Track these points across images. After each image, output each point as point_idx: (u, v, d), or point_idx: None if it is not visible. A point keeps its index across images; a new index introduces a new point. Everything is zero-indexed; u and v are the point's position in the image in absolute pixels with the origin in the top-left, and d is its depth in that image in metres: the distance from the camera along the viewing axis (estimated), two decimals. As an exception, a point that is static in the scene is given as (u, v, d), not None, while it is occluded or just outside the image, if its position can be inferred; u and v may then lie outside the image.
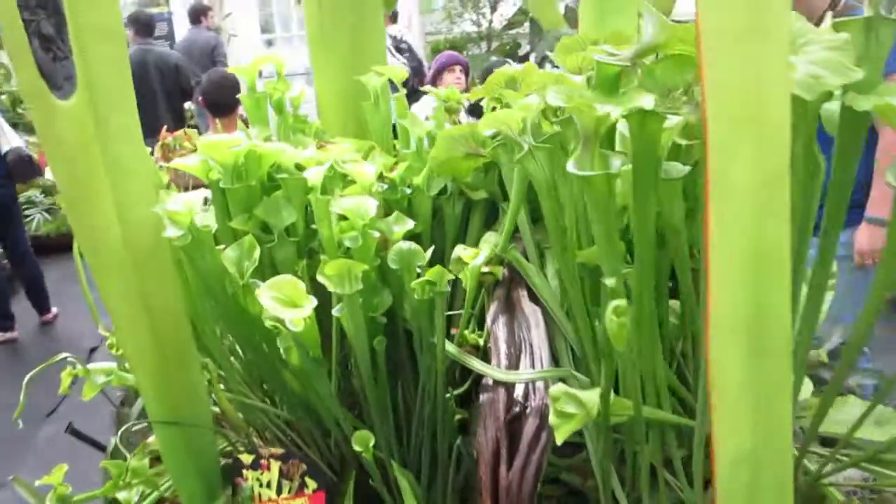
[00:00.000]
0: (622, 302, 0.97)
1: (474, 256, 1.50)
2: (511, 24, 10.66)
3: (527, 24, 11.14)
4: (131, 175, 1.33)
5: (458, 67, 5.45)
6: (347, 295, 1.26)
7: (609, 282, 1.00)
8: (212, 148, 1.50)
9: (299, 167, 1.54)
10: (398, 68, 1.78)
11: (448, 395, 1.43)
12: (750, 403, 0.85)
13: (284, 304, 1.18)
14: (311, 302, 1.19)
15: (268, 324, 1.27)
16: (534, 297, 1.51)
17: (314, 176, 1.39)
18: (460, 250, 1.57)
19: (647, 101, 1.00)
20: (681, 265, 1.21)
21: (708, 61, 0.76)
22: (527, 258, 1.59)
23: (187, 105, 7.52)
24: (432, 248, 1.42)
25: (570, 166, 1.04)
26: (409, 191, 1.68)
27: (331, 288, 1.30)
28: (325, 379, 1.37)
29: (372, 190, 1.48)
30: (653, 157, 1.10)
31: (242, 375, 1.66)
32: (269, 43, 10.85)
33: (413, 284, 1.33)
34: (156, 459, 1.82)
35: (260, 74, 1.91)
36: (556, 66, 1.64)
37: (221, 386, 1.62)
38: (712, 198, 0.78)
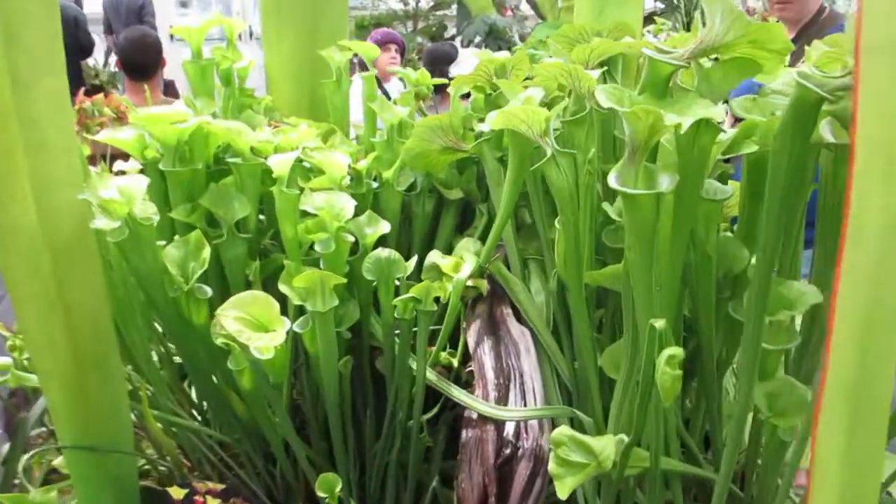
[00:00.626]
0: (677, 351, 0.81)
1: (455, 267, 1.32)
2: (438, 5, 10.45)
3: (454, 7, 10.96)
4: (56, 152, 1.08)
5: (393, 46, 5.19)
6: (319, 313, 1.06)
7: (658, 324, 0.84)
8: (151, 122, 1.26)
9: (255, 151, 1.31)
10: (370, 45, 1.56)
11: (423, 432, 1.25)
12: (847, 474, 0.72)
13: (252, 326, 0.97)
14: (284, 325, 0.98)
15: (219, 341, 1.05)
16: (519, 317, 1.34)
17: (280, 165, 1.17)
18: (436, 257, 1.38)
19: (718, 111, 0.84)
20: (705, 301, 1.06)
21: (869, 80, 0.60)
22: (508, 269, 1.42)
23: (92, 62, 6.95)
24: (415, 258, 1.23)
25: (613, 180, 0.87)
26: (375, 185, 1.48)
27: (297, 301, 1.10)
28: (283, 408, 1.16)
29: (342, 184, 1.27)
30: (699, 174, 0.95)
31: (170, 386, 1.42)
32: (184, 4, 10.19)
33: (395, 302, 1.14)
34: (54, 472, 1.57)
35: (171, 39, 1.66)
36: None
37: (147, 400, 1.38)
38: (849, 239, 0.63)
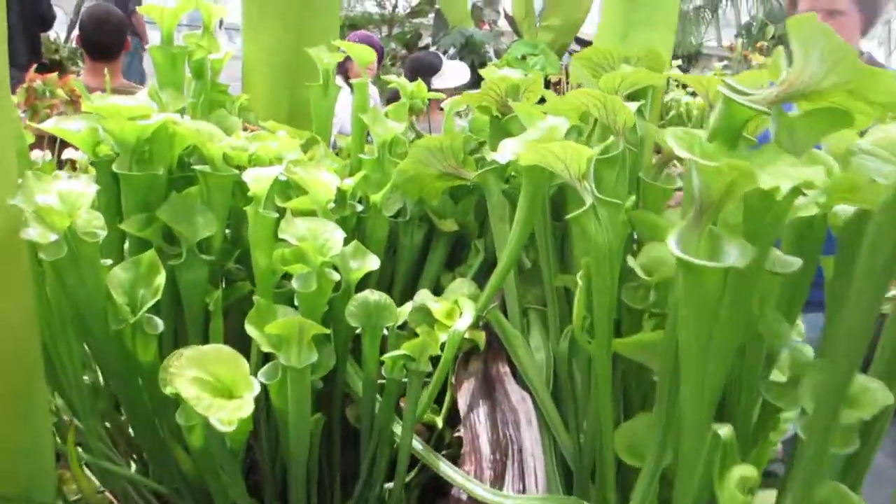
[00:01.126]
0: (751, 473, 0.65)
1: (449, 313, 1.15)
2: (416, 13, 10.30)
3: (431, 16, 10.82)
4: None
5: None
6: (294, 369, 0.87)
7: (723, 431, 0.68)
8: (107, 113, 1.06)
9: (226, 159, 1.13)
10: (365, 48, 1.39)
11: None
12: None
13: (213, 391, 0.78)
14: (253, 389, 0.79)
15: (168, 391, 0.86)
16: (517, 376, 1.17)
17: (258, 181, 0.99)
18: (426, 299, 1.20)
19: (817, 174, 0.69)
20: (748, 387, 0.91)
21: None
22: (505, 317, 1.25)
23: (53, 35, 6.57)
24: (408, 306, 1.05)
25: (674, 246, 0.71)
26: (360, 208, 1.30)
27: (267, 349, 0.91)
28: (237, 469, 0.97)
29: (327, 208, 1.09)
30: (768, 242, 0.80)
31: (104, 419, 1.22)
32: None
33: (384, 358, 0.96)
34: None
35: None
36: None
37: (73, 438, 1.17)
38: None
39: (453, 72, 3.42)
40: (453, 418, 1.18)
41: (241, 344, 1.10)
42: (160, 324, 0.95)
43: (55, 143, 2.01)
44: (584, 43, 8.40)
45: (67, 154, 1.93)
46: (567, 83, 5.91)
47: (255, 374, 0.88)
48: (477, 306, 1.17)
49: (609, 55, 1.26)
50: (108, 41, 2.73)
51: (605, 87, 1.17)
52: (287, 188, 1.21)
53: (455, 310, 1.17)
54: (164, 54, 1.29)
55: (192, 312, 1.09)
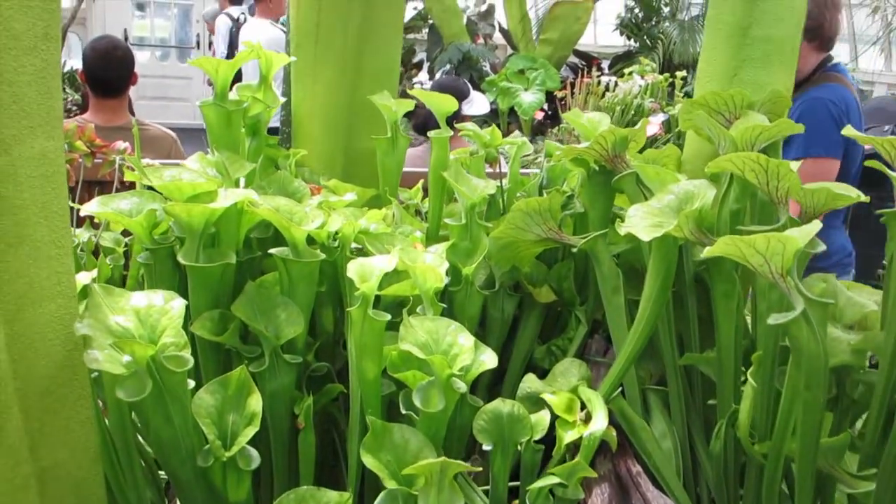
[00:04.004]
0: None
1: (569, 407, 0.98)
2: (408, 28, 10.15)
3: (425, 31, 10.70)
4: (41, 246, 0.71)
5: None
6: (439, 517, 0.71)
7: None
8: (170, 193, 0.90)
9: (309, 239, 0.96)
10: (445, 98, 1.22)
11: None
12: None
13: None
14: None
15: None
16: (651, 477, 1.00)
17: (366, 276, 0.82)
18: (536, 387, 1.04)
19: None
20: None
21: None
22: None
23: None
24: (543, 415, 0.89)
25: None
26: (447, 280, 1.13)
27: (393, 486, 0.74)
28: None
29: (434, 297, 0.93)
30: None
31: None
32: (140, 7, 9.43)
33: (532, 489, 0.79)
34: None
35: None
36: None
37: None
38: None
39: (480, 99, 3.26)
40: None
41: (323, 454, 0.94)
42: (256, 457, 0.78)
43: (76, 188, 1.85)
44: (583, 56, 8.29)
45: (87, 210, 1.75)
46: (573, 98, 5.79)
47: (355, 498, 0.72)
48: (602, 394, 1.00)
49: (731, 100, 1.10)
50: (114, 76, 2.54)
51: (739, 140, 1.01)
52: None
53: (574, 402, 1.00)
54: (219, 112, 1.11)
55: (278, 425, 0.92)
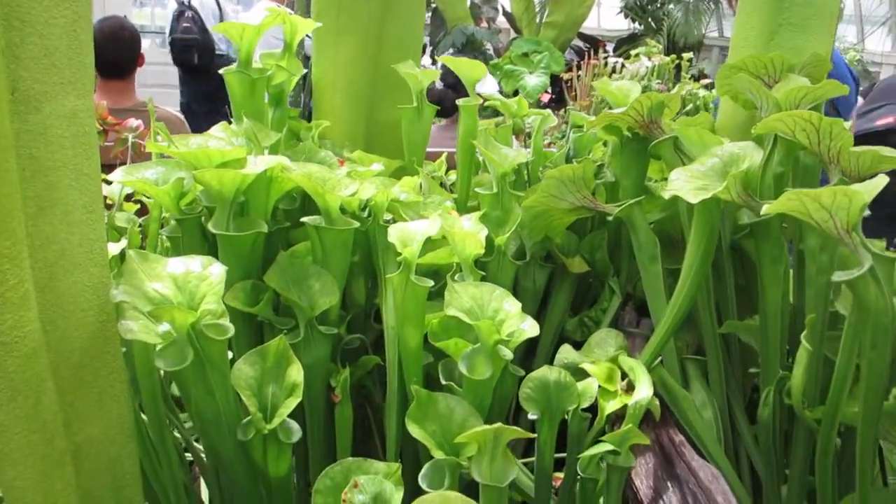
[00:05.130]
0: None
1: (610, 376, 0.95)
2: (410, 13, 10.05)
3: (429, 15, 10.63)
4: (73, 211, 0.68)
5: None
6: (488, 487, 0.68)
7: None
8: (198, 160, 0.86)
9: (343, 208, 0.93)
10: (474, 63, 1.18)
11: None
12: None
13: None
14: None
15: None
16: (692, 445, 0.98)
17: (408, 241, 0.79)
18: (574, 357, 1.01)
19: None
20: None
21: None
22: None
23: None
24: (591, 382, 0.86)
25: None
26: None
27: (441, 456, 0.71)
28: None
29: (472, 264, 0.90)
30: None
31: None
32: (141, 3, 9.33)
33: (583, 457, 0.77)
34: None
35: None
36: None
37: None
38: None
39: (489, 80, 3.21)
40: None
41: (355, 428, 0.92)
42: (297, 430, 0.75)
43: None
44: (587, 38, 8.22)
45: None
46: (579, 80, 5.73)
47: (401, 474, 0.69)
48: (643, 362, 0.98)
49: (770, 63, 1.07)
50: (122, 57, 2.49)
51: (784, 102, 0.98)
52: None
53: (615, 371, 0.98)
54: (243, 80, 1.08)
55: (313, 399, 0.89)
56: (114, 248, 0.88)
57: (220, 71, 1.09)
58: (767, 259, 0.93)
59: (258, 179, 0.90)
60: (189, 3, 5.66)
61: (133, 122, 1.67)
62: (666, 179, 1.33)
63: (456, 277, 0.90)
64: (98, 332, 0.72)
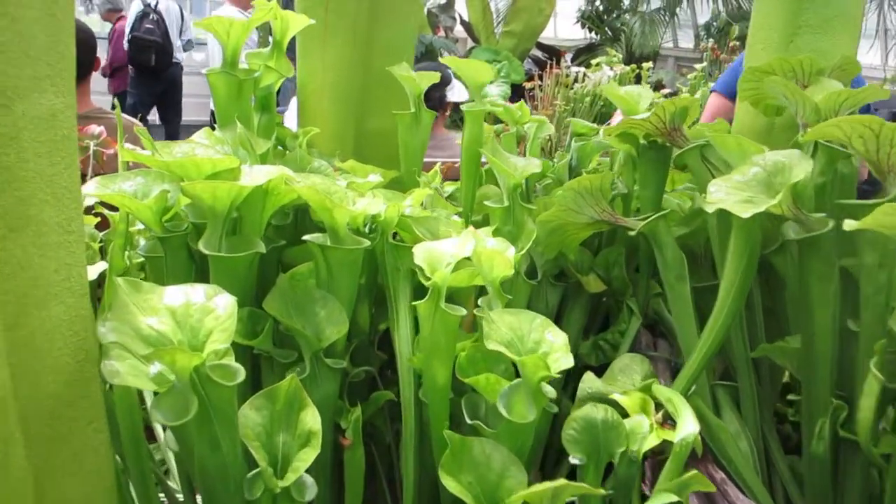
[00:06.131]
0: None
1: (643, 406, 0.86)
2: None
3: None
4: (47, 231, 0.56)
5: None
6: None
7: None
8: (185, 171, 0.76)
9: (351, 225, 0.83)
10: (480, 65, 1.09)
11: None
12: None
13: None
14: None
15: None
16: (733, 482, 0.89)
17: (436, 264, 0.69)
18: (600, 387, 0.92)
19: None
20: None
21: None
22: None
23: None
24: (640, 420, 0.77)
25: None
26: (490, 269, 1.00)
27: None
28: None
29: (499, 287, 0.80)
30: None
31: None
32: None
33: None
34: None
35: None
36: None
37: None
38: None
39: (460, 86, 3.13)
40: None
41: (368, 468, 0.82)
42: (311, 485, 0.65)
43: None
44: (546, 48, 8.22)
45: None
46: (541, 90, 5.70)
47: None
48: (679, 390, 0.89)
49: (800, 66, 1.00)
50: (77, 60, 2.33)
51: (825, 106, 0.91)
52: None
53: (648, 403, 0.89)
54: (229, 81, 0.97)
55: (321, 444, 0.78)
56: (92, 271, 0.76)
57: (204, 71, 0.98)
58: (815, 277, 0.86)
59: (254, 192, 0.79)
60: (155, 6, 5.48)
61: (95, 128, 1.54)
62: (674, 190, 1.26)
63: (481, 302, 0.80)
64: (76, 376, 0.61)
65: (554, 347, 0.68)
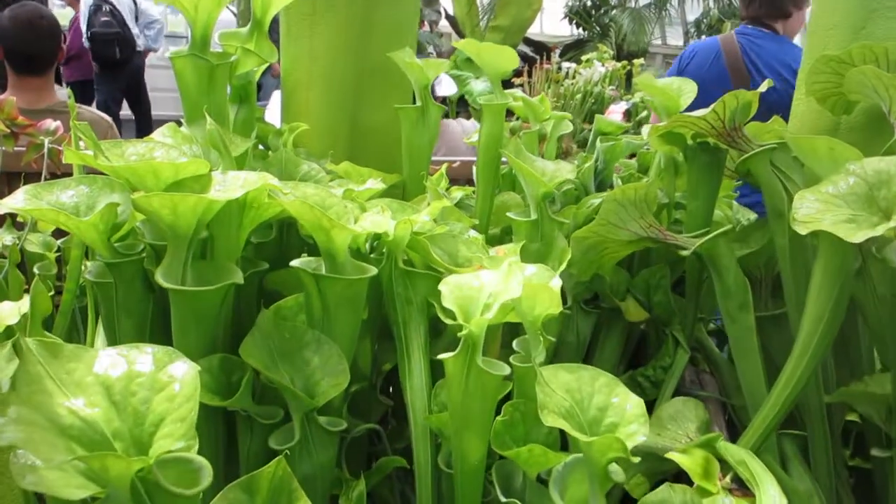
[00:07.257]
0: None
1: (707, 470, 0.70)
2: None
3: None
4: None
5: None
6: None
7: None
8: (139, 178, 0.58)
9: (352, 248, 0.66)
10: (505, 51, 0.92)
11: None
12: None
13: None
14: None
15: None
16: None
17: (467, 304, 0.52)
18: (661, 446, 0.76)
19: None
20: None
21: None
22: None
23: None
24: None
25: None
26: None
27: None
28: None
29: (540, 329, 0.63)
30: None
31: None
32: None
33: None
34: None
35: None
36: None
37: None
38: None
39: (447, 80, 2.95)
40: None
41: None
42: None
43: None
44: (534, 43, 8.06)
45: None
46: (529, 86, 5.54)
47: None
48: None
49: (884, 55, 0.84)
50: (37, 51, 2.12)
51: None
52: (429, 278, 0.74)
53: (712, 463, 0.73)
54: (197, 66, 0.79)
55: (314, 526, 0.61)
56: (11, 312, 0.58)
57: (168, 54, 0.80)
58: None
59: (229, 206, 0.62)
60: None
61: (50, 123, 1.35)
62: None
63: (516, 345, 0.64)
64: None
65: (626, 417, 0.52)
